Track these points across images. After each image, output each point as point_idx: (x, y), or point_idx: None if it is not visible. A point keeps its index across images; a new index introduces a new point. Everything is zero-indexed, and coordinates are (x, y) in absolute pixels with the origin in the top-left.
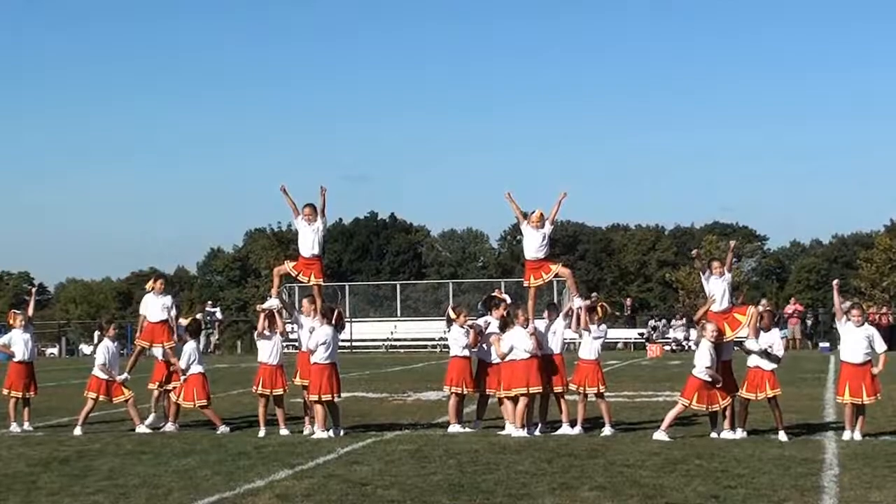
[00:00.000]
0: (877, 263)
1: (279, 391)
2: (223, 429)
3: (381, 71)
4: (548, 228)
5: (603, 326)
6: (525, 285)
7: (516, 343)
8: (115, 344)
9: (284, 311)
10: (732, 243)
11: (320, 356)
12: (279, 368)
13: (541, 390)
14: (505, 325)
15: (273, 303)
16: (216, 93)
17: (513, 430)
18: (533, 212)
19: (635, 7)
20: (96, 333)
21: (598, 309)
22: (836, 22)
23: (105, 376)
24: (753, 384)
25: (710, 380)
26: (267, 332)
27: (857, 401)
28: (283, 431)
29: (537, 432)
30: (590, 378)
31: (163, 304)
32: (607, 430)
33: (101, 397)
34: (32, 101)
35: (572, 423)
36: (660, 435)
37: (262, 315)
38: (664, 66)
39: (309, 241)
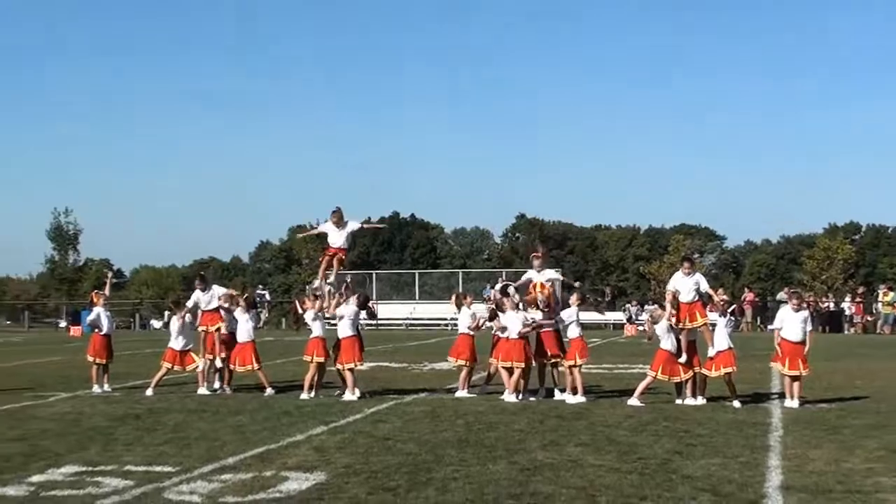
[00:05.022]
0: (817, 260)
1: (321, 359)
2: (270, 391)
3: (415, 90)
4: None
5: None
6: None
7: (509, 325)
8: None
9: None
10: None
11: (345, 331)
12: (323, 341)
13: (523, 365)
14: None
15: (324, 287)
16: (261, 112)
17: (507, 395)
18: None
19: (618, 14)
20: (166, 313)
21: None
22: (783, 34)
23: (180, 347)
24: (711, 363)
25: (673, 350)
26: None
27: (794, 373)
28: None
29: (532, 399)
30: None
31: (211, 295)
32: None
33: (176, 367)
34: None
35: (564, 390)
36: (633, 401)
37: (313, 300)
38: (645, 83)
39: (337, 237)
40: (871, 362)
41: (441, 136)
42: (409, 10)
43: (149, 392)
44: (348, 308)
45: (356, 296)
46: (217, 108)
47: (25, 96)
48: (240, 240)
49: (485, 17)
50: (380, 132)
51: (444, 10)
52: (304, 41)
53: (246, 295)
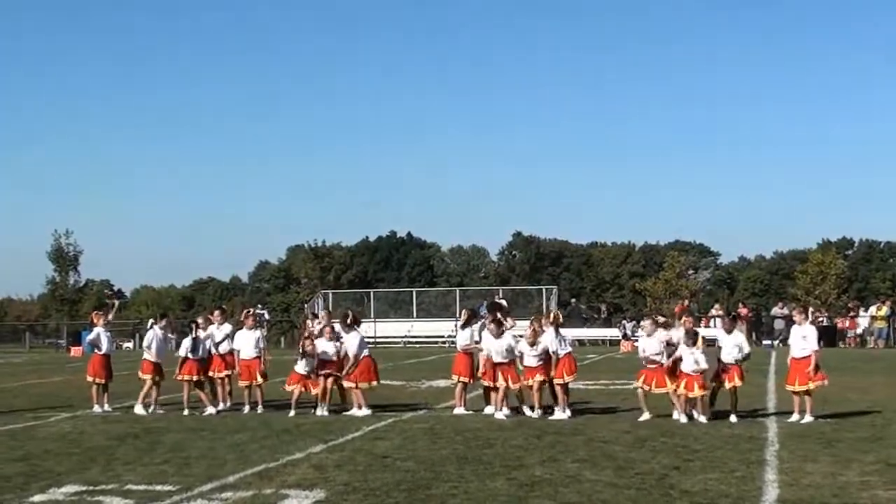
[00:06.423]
0: (811, 275)
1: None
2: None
3: (410, 109)
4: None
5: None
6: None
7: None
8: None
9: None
10: None
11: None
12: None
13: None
14: (500, 324)
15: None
16: (259, 133)
17: (495, 411)
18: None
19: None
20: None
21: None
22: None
23: (155, 360)
24: (725, 374)
25: (652, 366)
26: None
27: (790, 388)
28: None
29: (535, 414)
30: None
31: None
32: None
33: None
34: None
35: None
36: (644, 417)
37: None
38: (638, 100)
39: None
40: (865, 376)
41: (437, 155)
42: (402, 27)
43: (158, 409)
44: (349, 335)
45: (345, 319)
46: (217, 129)
47: (25, 118)
48: (239, 260)
49: (477, 35)
50: (377, 152)
51: (435, 28)
52: (299, 62)
53: (249, 311)
